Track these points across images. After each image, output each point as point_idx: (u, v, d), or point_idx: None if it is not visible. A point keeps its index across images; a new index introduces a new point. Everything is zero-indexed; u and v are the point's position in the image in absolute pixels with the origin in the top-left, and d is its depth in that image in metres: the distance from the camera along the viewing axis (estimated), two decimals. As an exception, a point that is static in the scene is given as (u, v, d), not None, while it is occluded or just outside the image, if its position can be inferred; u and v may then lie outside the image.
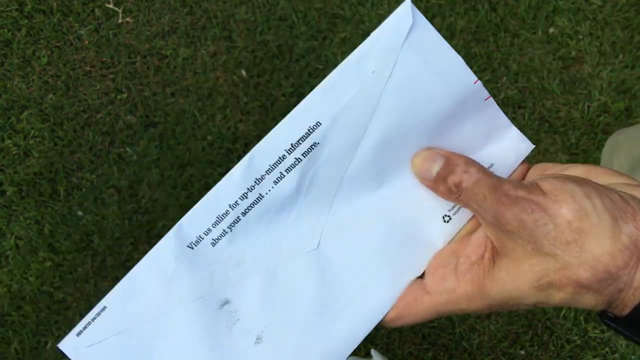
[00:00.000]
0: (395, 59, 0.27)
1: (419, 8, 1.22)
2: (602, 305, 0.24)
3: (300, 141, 0.27)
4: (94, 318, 0.27)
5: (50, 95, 1.03)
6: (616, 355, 0.95)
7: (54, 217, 0.98)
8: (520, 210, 0.24)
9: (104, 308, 0.27)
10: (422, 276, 0.29)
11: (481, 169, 0.26)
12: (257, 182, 0.27)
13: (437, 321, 0.95)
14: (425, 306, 0.27)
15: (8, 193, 0.99)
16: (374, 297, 0.28)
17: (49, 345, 0.95)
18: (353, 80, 0.27)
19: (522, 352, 0.96)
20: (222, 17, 1.05)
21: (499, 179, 0.25)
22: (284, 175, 0.27)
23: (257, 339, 0.28)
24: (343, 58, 1.21)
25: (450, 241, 0.29)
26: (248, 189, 0.27)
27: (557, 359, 0.96)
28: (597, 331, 0.96)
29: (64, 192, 0.99)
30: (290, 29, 1.05)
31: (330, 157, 0.27)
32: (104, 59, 1.05)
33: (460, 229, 0.29)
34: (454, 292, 0.26)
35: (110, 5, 1.06)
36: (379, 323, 0.29)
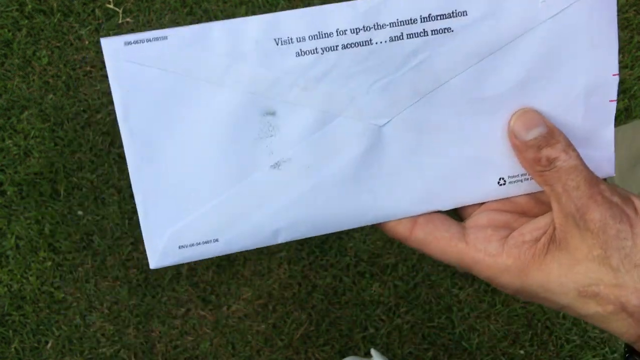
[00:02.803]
0: (570, 3, 0.26)
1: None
2: (632, 336, 0.23)
3: (439, 17, 0.26)
4: (150, 40, 0.25)
5: (51, 96, 1.03)
6: (616, 355, 0.95)
7: (54, 217, 0.98)
8: (610, 215, 0.23)
9: (165, 37, 0.25)
10: (459, 219, 0.29)
11: (580, 157, 0.25)
12: (376, 27, 0.25)
13: (437, 321, 0.95)
14: (454, 250, 0.27)
15: (8, 193, 0.99)
16: (394, 201, 0.28)
17: (49, 345, 0.95)
18: None
19: (522, 352, 0.96)
20: (222, 17, 1.05)
21: (595, 175, 0.25)
22: (403, 39, 0.26)
23: (276, 163, 0.27)
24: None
25: (486, 203, 0.29)
26: (364, 27, 0.25)
27: (556, 358, 0.96)
28: (597, 331, 0.96)
29: (64, 192, 0.99)
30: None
31: (453, 52, 0.26)
32: (104, 59, 1.05)
33: (503, 198, 0.29)
34: (493, 257, 0.26)
35: (111, 6, 1.06)
36: (396, 233, 0.28)
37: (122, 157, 1.01)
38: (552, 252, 0.25)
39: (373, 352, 0.87)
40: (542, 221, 0.26)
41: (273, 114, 0.26)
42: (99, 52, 1.05)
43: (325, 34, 0.25)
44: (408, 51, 0.26)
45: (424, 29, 0.26)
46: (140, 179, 0.26)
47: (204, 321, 0.95)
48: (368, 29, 0.26)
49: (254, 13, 1.05)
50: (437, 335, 0.95)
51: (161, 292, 0.96)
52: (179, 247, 0.27)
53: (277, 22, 0.25)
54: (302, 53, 0.26)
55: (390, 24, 0.25)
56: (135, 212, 0.98)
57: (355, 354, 0.94)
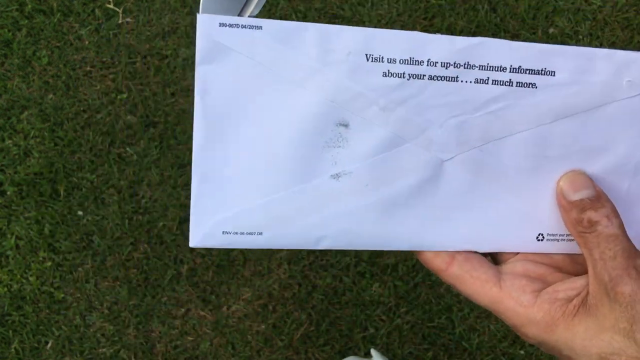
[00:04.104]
0: None
1: (418, 8, 1.21)
2: None
3: (528, 72, 0.26)
4: (244, 26, 0.24)
5: (51, 95, 1.03)
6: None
7: (54, 217, 0.98)
8: None
9: (260, 27, 0.25)
10: (495, 262, 0.30)
11: (623, 226, 0.26)
12: (466, 66, 0.26)
13: (437, 321, 0.95)
14: (488, 293, 0.28)
15: (8, 193, 0.99)
16: (438, 233, 0.28)
17: (49, 345, 0.95)
18: (607, 71, 0.26)
19: (522, 352, 0.96)
20: (222, 17, 1.05)
21: (634, 248, 0.25)
22: (488, 83, 0.26)
23: (337, 174, 0.27)
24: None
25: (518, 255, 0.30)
26: (454, 64, 0.26)
27: (556, 358, 0.96)
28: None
29: (64, 192, 0.99)
30: (290, 29, 1.05)
31: (531, 107, 0.26)
32: (104, 59, 1.05)
33: (538, 253, 0.29)
34: (524, 307, 0.27)
35: (111, 6, 1.06)
36: (433, 264, 0.29)
37: (122, 157, 1.01)
38: (581, 315, 0.25)
39: (373, 352, 0.87)
40: (578, 282, 0.27)
41: (346, 125, 0.26)
42: (98, 52, 1.05)
43: (416, 61, 0.26)
44: (489, 96, 0.26)
45: (510, 79, 0.26)
46: (201, 159, 0.26)
47: (204, 321, 0.95)
48: (458, 66, 0.26)
49: (254, 13, 1.06)
50: (437, 335, 0.95)
51: (161, 292, 0.96)
52: (223, 232, 0.27)
53: (373, 38, 0.25)
54: (390, 74, 0.26)
55: (480, 66, 0.26)
56: (135, 212, 0.98)
57: (355, 354, 0.94)
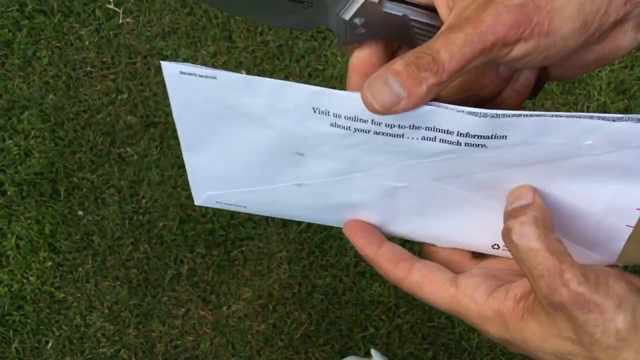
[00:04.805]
0: (612, 150, 0.25)
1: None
2: None
3: (477, 137, 0.25)
4: (202, 75, 0.27)
5: (51, 96, 1.03)
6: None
7: (55, 217, 0.98)
8: (577, 307, 0.23)
9: (215, 77, 0.26)
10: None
11: (545, 236, 0.24)
12: (411, 128, 0.25)
13: (436, 320, 0.95)
14: (445, 294, 0.28)
15: (9, 193, 0.99)
16: (394, 226, 0.32)
17: (49, 345, 0.95)
18: (565, 135, 0.25)
19: (522, 352, 0.96)
20: (223, 18, 1.05)
21: (559, 262, 0.23)
22: (435, 141, 0.25)
23: (299, 184, 0.31)
24: (342, 58, 1.19)
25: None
26: (399, 125, 0.25)
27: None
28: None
29: (64, 192, 0.99)
30: (290, 29, 1.06)
31: (482, 160, 0.26)
32: (105, 60, 1.05)
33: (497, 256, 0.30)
34: (477, 304, 0.27)
35: (111, 6, 1.06)
36: (393, 274, 0.30)
37: (122, 157, 1.01)
38: (527, 319, 0.25)
39: (373, 352, 0.87)
40: (526, 284, 0.26)
41: (302, 154, 0.29)
42: (99, 52, 1.05)
43: (361, 119, 0.26)
44: (438, 150, 0.26)
45: (458, 141, 0.25)
46: (189, 157, 0.32)
47: (204, 321, 0.95)
48: (403, 127, 0.25)
49: (254, 13, 1.06)
50: (437, 335, 0.95)
51: (161, 292, 0.96)
52: (216, 202, 0.34)
53: (319, 96, 0.26)
54: (336, 125, 0.26)
55: (426, 127, 0.25)
56: (135, 212, 0.99)
57: (355, 354, 0.94)
